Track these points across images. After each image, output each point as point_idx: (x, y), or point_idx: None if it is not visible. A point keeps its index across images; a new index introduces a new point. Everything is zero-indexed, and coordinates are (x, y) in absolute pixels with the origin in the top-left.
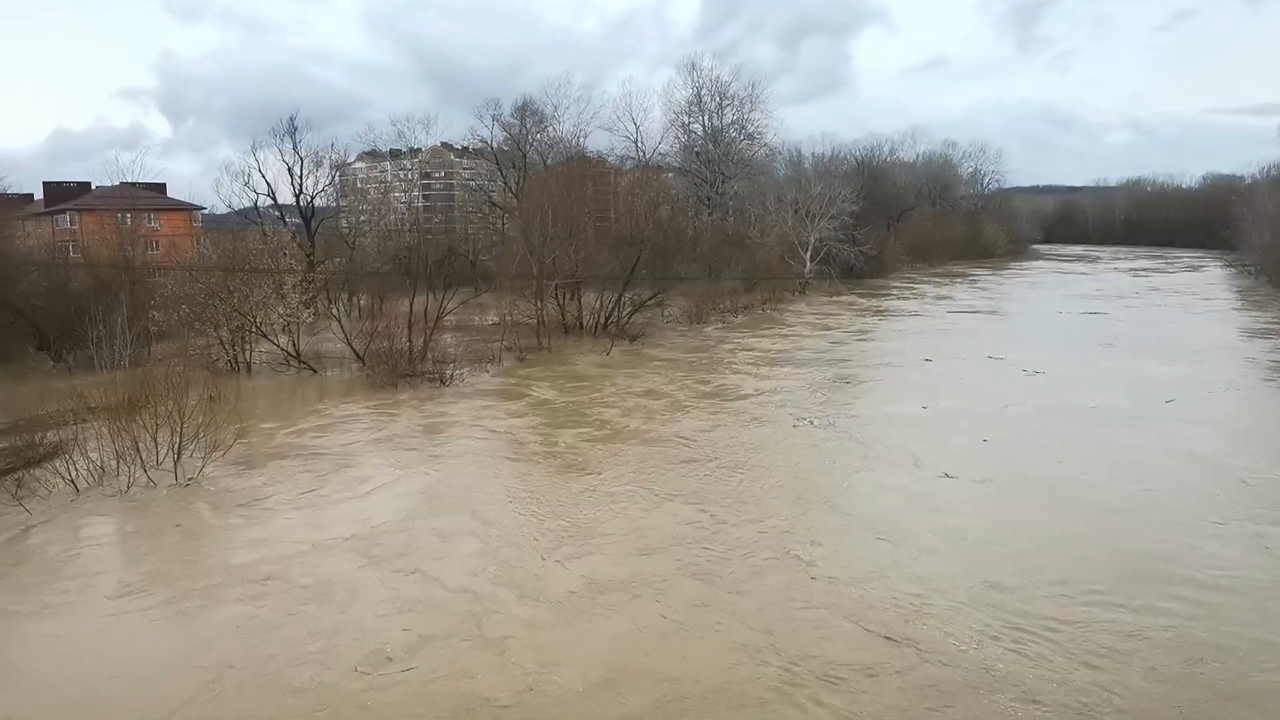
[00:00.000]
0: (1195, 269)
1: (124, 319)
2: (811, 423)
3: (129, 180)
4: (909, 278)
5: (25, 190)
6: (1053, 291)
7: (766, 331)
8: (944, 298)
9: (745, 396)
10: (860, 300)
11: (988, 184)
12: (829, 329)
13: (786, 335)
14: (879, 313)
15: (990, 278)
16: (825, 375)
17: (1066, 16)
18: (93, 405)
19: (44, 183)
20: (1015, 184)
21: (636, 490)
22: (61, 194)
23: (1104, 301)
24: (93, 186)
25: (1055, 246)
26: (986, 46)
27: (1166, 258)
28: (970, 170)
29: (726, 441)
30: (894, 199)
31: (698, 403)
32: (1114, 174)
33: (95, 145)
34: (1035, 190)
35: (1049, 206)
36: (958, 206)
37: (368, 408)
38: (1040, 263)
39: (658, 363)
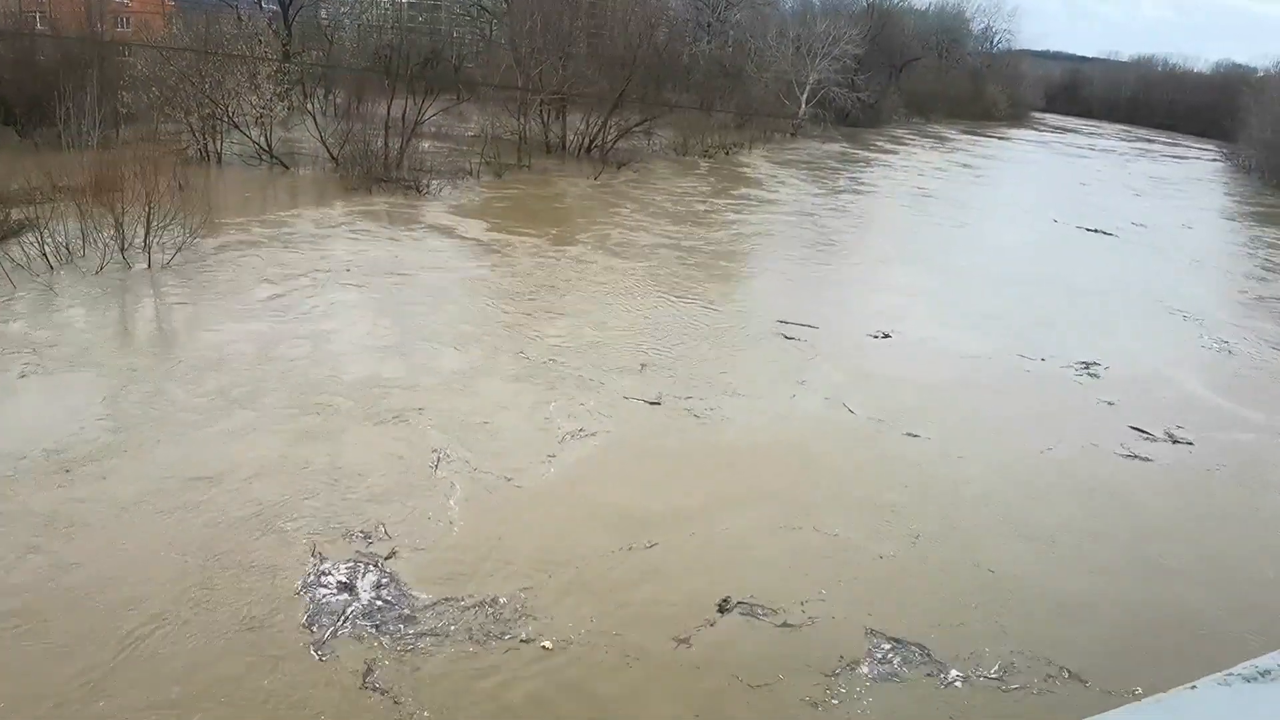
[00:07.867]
0: (1181, 159)
1: (93, 98)
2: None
3: None
4: (900, 137)
5: None
6: (1047, 183)
7: (728, 192)
8: (939, 171)
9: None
10: (843, 166)
11: (998, 43)
12: (793, 208)
13: (737, 209)
14: (858, 191)
15: (984, 149)
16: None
17: None
18: (60, 185)
19: None
20: (1025, 46)
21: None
22: None
23: (1105, 213)
24: None
25: (1056, 116)
26: None
27: (1158, 143)
28: (982, 26)
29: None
30: (900, 47)
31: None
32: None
33: None
34: (1045, 55)
35: (1056, 74)
36: (963, 63)
37: (340, 210)
38: (1037, 134)
39: (630, 202)
